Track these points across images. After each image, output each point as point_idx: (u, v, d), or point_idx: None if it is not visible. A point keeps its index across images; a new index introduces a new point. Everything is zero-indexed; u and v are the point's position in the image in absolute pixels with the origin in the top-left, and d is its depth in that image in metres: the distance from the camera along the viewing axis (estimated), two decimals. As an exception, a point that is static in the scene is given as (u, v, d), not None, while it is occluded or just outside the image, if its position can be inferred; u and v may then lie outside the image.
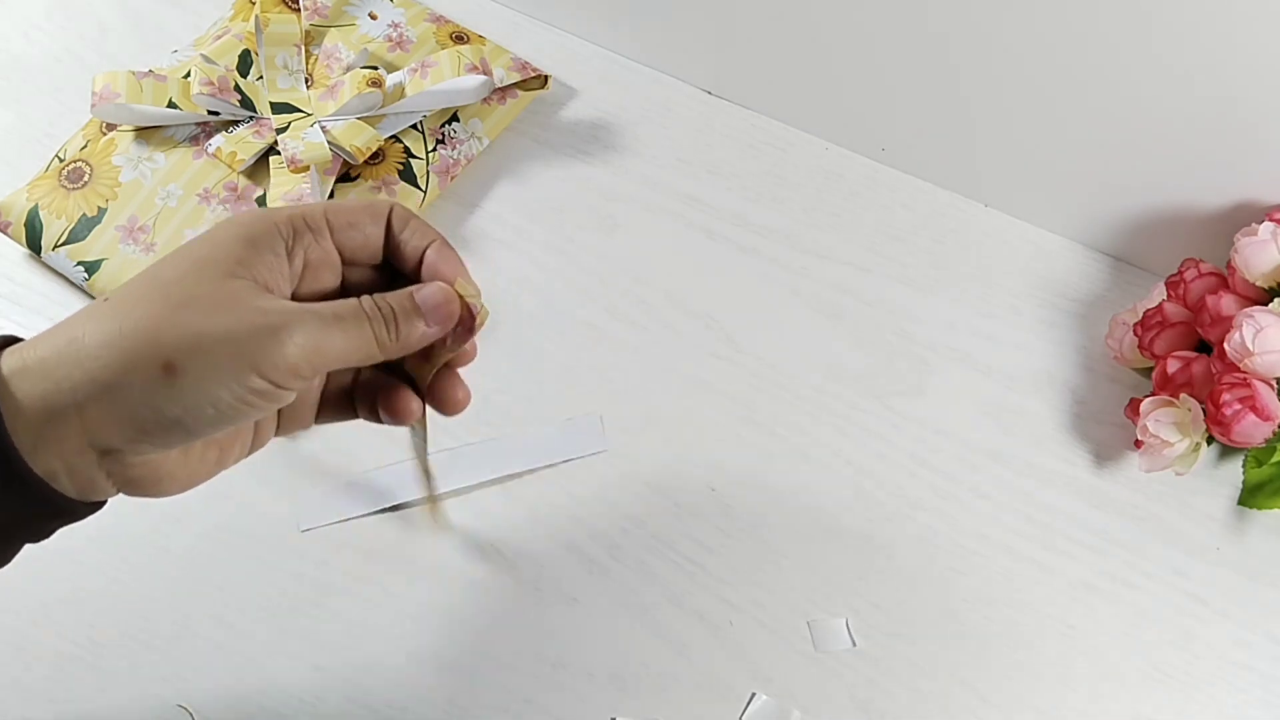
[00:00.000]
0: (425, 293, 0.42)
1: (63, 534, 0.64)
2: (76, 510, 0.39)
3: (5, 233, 0.69)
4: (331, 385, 0.46)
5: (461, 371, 0.47)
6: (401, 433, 0.65)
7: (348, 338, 0.39)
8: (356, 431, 0.66)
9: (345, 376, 0.46)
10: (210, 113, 0.68)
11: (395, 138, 0.69)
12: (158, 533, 0.62)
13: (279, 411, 0.44)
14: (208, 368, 0.36)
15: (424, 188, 0.69)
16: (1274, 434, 0.57)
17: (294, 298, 0.41)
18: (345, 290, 0.44)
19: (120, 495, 0.40)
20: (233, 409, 0.37)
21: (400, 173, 0.69)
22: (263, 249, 0.40)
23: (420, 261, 0.43)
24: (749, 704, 0.59)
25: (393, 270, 0.44)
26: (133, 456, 0.38)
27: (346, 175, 0.69)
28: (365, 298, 0.41)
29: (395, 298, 0.41)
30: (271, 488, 0.63)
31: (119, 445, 0.37)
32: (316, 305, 0.39)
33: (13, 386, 0.36)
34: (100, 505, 0.40)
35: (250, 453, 0.44)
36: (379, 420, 0.46)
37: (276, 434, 0.44)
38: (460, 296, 0.42)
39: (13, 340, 0.39)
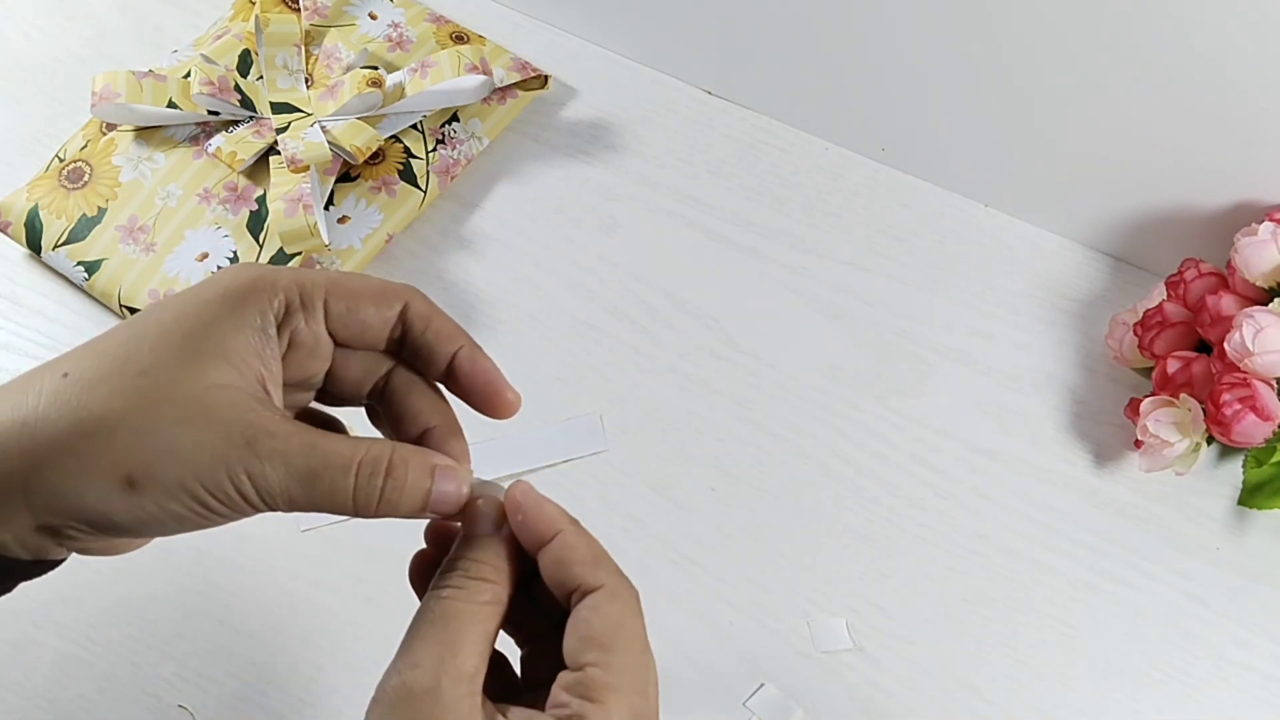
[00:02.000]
0: (443, 489, 0.37)
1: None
2: (31, 571, 0.37)
3: (5, 233, 0.69)
4: None
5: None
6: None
7: (315, 497, 0.35)
8: (357, 432, 0.66)
9: None
10: (210, 113, 0.68)
11: (395, 138, 0.69)
12: (158, 533, 0.62)
13: None
14: (168, 486, 0.34)
15: (424, 188, 0.69)
16: (1274, 434, 0.57)
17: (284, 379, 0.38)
18: (332, 376, 0.39)
19: None
20: (190, 521, 0.35)
21: (400, 173, 0.69)
22: (248, 327, 0.36)
23: (448, 368, 0.39)
24: (755, 692, 0.59)
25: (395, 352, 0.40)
26: (85, 540, 0.36)
27: (346, 175, 0.69)
28: (367, 456, 0.36)
29: (412, 467, 0.36)
30: (271, 488, 0.63)
31: (70, 532, 0.35)
32: (296, 445, 0.35)
33: None
34: (60, 562, 0.38)
35: None
36: None
37: None
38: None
39: None
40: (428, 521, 0.39)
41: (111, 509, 0.34)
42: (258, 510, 0.35)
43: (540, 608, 0.39)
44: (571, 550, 0.37)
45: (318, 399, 0.41)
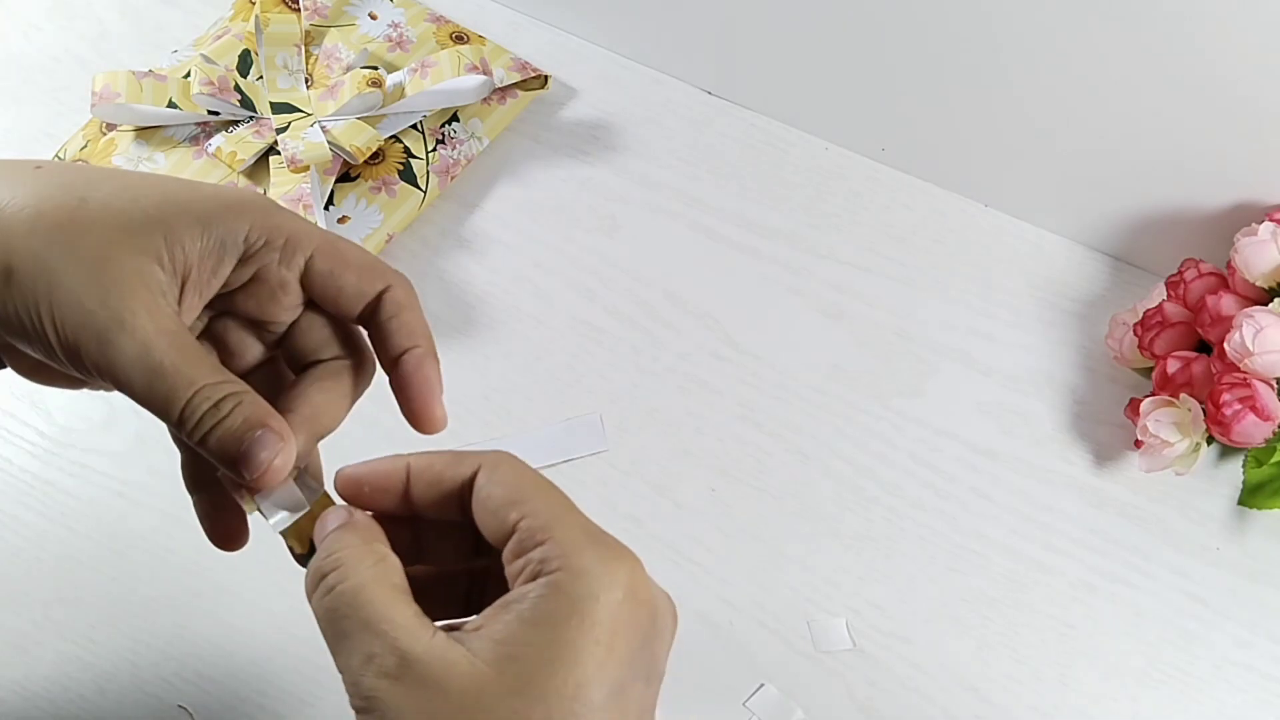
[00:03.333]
0: (257, 450, 0.35)
1: (62, 533, 0.64)
2: None
3: (5, 233, 0.69)
4: None
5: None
6: (402, 431, 0.65)
7: (151, 396, 0.34)
8: (355, 432, 0.66)
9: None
10: (210, 113, 0.68)
11: (395, 138, 0.69)
12: (158, 532, 0.62)
13: None
14: (31, 302, 0.34)
15: (424, 188, 0.69)
16: (1274, 434, 0.57)
17: (232, 307, 0.38)
18: (294, 335, 0.39)
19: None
20: (39, 345, 0.35)
21: (400, 173, 0.69)
22: (213, 234, 0.36)
23: (396, 362, 0.38)
24: (755, 692, 0.59)
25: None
26: None
27: (346, 175, 0.69)
28: (215, 382, 0.35)
29: (240, 412, 0.35)
30: (271, 488, 0.63)
31: None
32: (165, 341, 0.34)
33: None
34: None
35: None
36: None
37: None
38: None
39: None
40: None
41: None
42: (92, 375, 0.35)
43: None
44: (429, 467, 0.36)
45: (280, 352, 0.40)
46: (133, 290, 0.34)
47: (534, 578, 0.33)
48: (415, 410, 0.38)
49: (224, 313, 0.39)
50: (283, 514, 0.38)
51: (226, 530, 0.41)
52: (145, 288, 0.35)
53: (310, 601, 0.34)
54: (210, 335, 0.40)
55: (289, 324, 0.39)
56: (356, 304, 0.38)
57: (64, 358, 0.35)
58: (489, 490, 0.35)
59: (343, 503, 0.37)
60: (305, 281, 0.38)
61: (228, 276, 0.37)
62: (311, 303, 0.39)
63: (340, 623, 0.33)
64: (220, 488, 0.39)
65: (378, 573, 0.34)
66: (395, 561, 0.35)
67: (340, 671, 0.33)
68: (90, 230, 0.34)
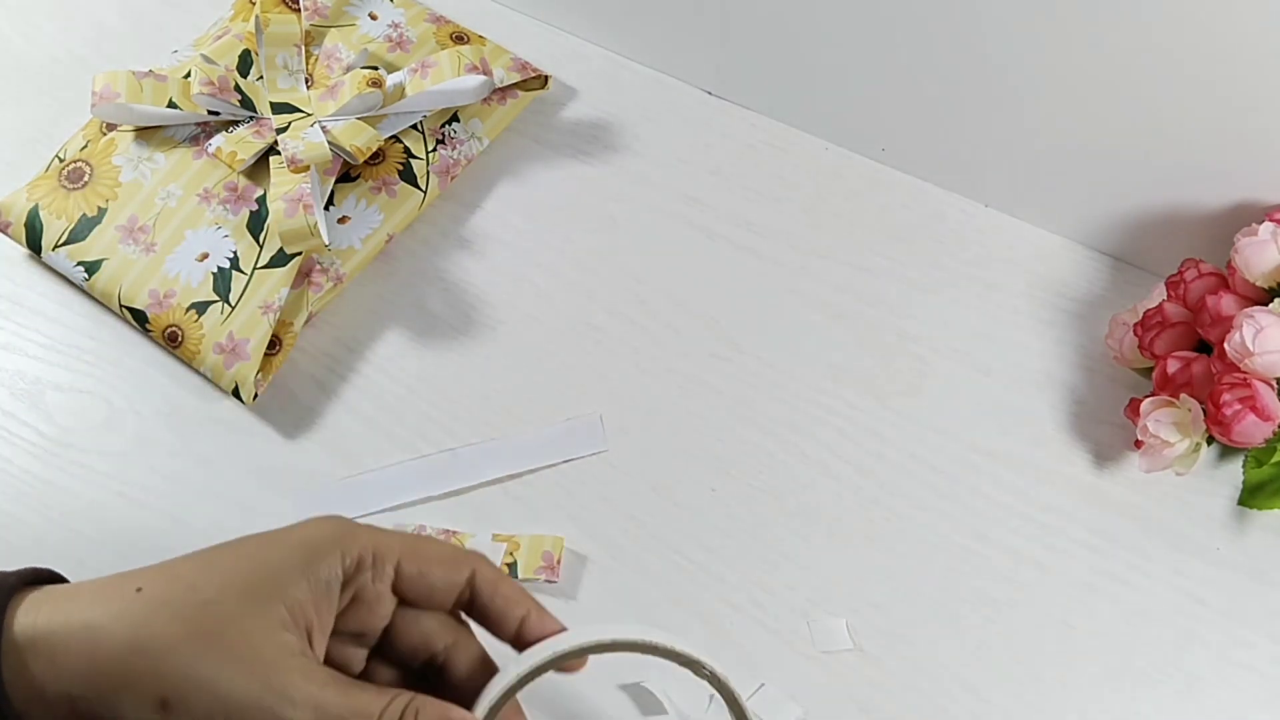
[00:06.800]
0: None
1: (62, 533, 0.64)
2: None
3: (5, 233, 0.69)
4: None
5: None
6: (402, 431, 0.65)
7: None
8: (357, 432, 0.66)
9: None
10: (210, 113, 0.68)
11: (395, 138, 0.69)
12: (158, 533, 0.62)
13: None
14: (198, 717, 0.36)
15: (424, 188, 0.69)
16: (1274, 434, 0.57)
17: (336, 628, 0.41)
18: (393, 636, 0.42)
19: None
20: None
21: (400, 173, 0.69)
22: (314, 579, 0.39)
23: (517, 632, 0.42)
24: (755, 692, 0.59)
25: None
26: None
27: (347, 175, 0.69)
28: (388, 710, 0.38)
29: (430, 713, 0.39)
30: (271, 488, 0.63)
31: None
32: (331, 695, 0.37)
33: (21, 654, 0.37)
34: None
35: None
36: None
37: None
38: None
39: (36, 577, 0.40)
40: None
41: None
42: None
43: None
44: None
45: (378, 655, 0.43)
46: (283, 664, 0.37)
47: None
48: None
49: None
50: None
51: None
52: (291, 656, 0.37)
53: None
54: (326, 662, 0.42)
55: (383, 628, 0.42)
56: (449, 595, 0.42)
57: None
58: None
59: None
60: (397, 587, 0.41)
61: (339, 606, 0.40)
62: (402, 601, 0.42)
63: None
64: None
65: None
66: None
67: None
68: (223, 628, 0.37)
